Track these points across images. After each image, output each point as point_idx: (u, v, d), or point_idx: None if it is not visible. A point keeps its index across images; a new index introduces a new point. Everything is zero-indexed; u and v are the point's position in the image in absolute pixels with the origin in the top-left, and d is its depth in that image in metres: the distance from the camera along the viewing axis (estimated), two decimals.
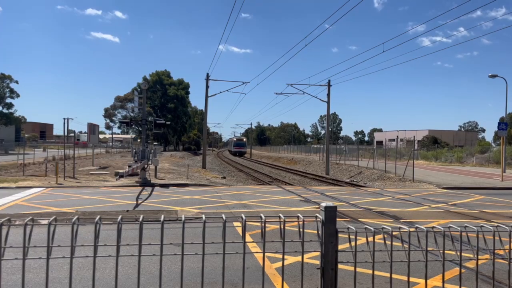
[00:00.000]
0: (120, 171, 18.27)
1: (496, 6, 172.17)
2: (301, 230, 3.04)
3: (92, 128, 30.37)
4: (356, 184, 23.96)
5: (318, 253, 3.24)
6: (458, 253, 3.22)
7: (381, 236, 3.27)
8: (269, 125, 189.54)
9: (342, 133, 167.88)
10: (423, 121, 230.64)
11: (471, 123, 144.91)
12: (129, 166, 17.92)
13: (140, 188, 17.53)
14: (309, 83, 43.96)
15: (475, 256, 3.22)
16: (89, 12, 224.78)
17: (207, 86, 36.87)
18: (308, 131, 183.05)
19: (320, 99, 36.07)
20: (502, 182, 23.40)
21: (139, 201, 13.51)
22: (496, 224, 3.40)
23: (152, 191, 16.51)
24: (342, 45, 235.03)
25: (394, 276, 3.60)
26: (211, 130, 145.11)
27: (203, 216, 2.93)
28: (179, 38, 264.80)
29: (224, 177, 29.16)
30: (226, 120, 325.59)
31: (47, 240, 2.63)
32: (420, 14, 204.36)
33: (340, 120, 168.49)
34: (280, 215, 3.10)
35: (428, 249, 3.22)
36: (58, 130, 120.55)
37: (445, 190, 19.44)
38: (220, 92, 38.68)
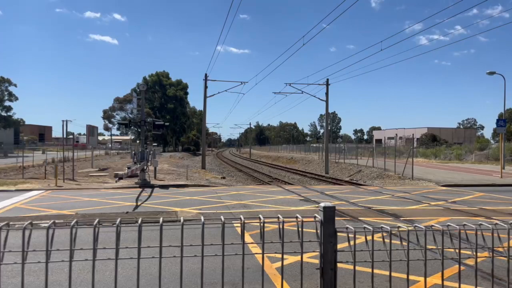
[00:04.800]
0: (120, 172, 18.27)
1: (492, 4, 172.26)
2: (300, 230, 3.04)
3: (91, 130, 30.36)
4: (355, 183, 23.98)
5: (318, 253, 3.25)
6: (457, 251, 3.23)
7: (380, 235, 3.28)
8: (269, 124, 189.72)
9: (341, 132, 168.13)
10: (421, 118, 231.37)
11: (470, 120, 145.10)
12: (128, 168, 17.94)
13: (140, 189, 17.53)
14: (307, 82, 43.99)
15: (474, 253, 3.23)
16: (88, 15, 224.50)
17: (206, 87, 36.86)
18: (307, 130, 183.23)
19: (319, 98, 36.08)
20: (501, 179, 23.43)
21: (139, 203, 13.51)
22: (495, 221, 3.41)
23: (151, 192, 16.51)
24: (339, 44, 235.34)
25: (393, 274, 3.60)
26: (210, 131, 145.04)
27: (202, 217, 2.93)
28: (178, 39, 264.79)
29: (224, 177, 29.16)
30: (225, 120, 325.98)
31: (46, 244, 2.63)
32: (417, 12, 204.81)
33: (340, 119, 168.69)
34: (279, 215, 3.11)
35: (427, 247, 3.23)
36: (57, 132, 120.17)
37: (445, 188, 19.46)
38: (219, 93, 38.58)
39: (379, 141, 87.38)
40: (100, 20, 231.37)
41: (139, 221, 2.81)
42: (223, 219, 2.94)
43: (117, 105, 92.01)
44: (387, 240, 3.09)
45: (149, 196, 15.33)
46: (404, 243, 3.24)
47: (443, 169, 32.41)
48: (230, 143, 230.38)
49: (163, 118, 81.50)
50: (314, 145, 77.17)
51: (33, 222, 2.89)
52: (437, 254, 3.27)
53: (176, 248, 2.89)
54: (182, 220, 2.93)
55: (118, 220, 2.76)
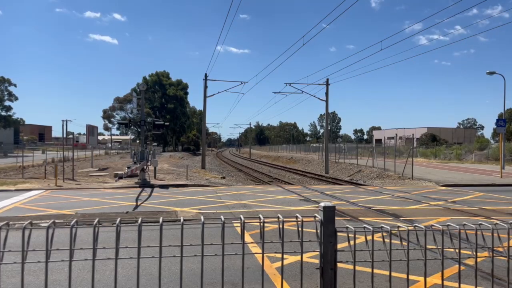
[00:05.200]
0: (119, 172, 18.27)
1: (492, 4, 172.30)
2: (299, 229, 3.04)
3: (91, 130, 30.35)
4: (355, 183, 23.98)
5: (318, 253, 3.25)
6: (457, 251, 3.23)
7: (380, 234, 3.27)
8: (268, 124, 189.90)
9: (341, 132, 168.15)
10: (421, 118, 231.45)
11: (470, 120, 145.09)
12: (128, 168, 17.95)
13: (140, 189, 17.52)
14: (307, 82, 44.05)
15: (474, 253, 3.23)
16: (88, 14, 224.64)
17: (206, 86, 36.85)
18: (307, 130, 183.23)
19: (319, 98, 36.07)
20: (501, 178, 23.43)
21: (139, 202, 13.50)
22: (495, 221, 3.41)
23: (151, 192, 16.51)
24: (339, 44, 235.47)
25: (393, 274, 3.60)
26: (210, 130, 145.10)
27: (202, 217, 2.93)
28: (178, 39, 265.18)
29: (224, 177, 29.15)
30: (225, 120, 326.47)
31: (46, 244, 2.63)
32: (417, 12, 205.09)
33: (339, 119, 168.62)
34: (279, 215, 3.11)
35: (427, 247, 3.23)
36: (57, 132, 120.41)
37: (445, 188, 19.46)
38: (219, 92, 38.50)
39: (379, 141, 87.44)
40: (100, 20, 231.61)
41: (139, 221, 2.81)
42: (223, 218, 2.93)
43: (117, 104, 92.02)
44: (387, 240, 3.09)
45: (149, 195, 15.32)
46: (404, 243, 3.24)
47: (443, 169, 32.40)
48: (230, 143, 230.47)
49: (163, 118, 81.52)
50: (314, 145, 77.17)
51: (33, 222, 2.88)
52: (437, 254, 3.27)
53: (176, 247, 2.89)
54: (182, 220, 2.93)
55: (118, 219, 2.76)
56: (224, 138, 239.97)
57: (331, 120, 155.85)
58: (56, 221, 2.82)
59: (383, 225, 3.20)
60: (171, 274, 6.00)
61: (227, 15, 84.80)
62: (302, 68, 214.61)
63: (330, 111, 37.84)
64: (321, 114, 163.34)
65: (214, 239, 7.68)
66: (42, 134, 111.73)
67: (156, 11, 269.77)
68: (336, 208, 3.48)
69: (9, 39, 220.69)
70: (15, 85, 63.12)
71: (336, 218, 3.27)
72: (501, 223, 3.29)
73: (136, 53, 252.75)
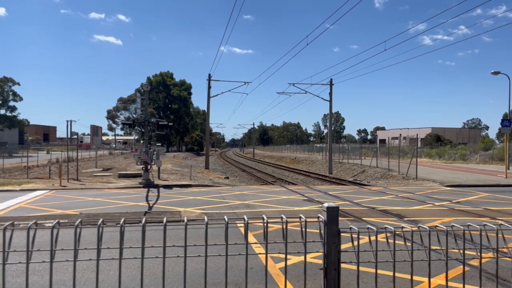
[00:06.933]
0: (123, 172, 18.36)
1: (496, 4, 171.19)
2: (303, 230, 3.04)
3: (95, 130, 30.45)
4: (359, 183, 23.92)
5: (321, 253, 3.24)
6: (462, 252, 3.22)
7: (384, 235, 3.27)
8: (272, 125, 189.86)
9: (345, 132, 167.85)
10: (426, 118, 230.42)
11: (475, 120, 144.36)
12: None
13: (144, 189, 17.57)
14: (311, 83, 44.05)
15: (479, 254, 3.21)
16: (93, 16, 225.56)
17: (209, 87, 36.89)
18: (310, 130, 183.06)
19: (323, 98, 36.01)
20: (506, 179, 23.30)
21: (143, 203, 13.53)
22: (499, 222, 3.39)
23: (158, 192, 16.54)
24: (343, 44, 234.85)
25: (397, 275, 3.59)
26: (213, 131, 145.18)
27: (205, 217, 2.93)
28: (181, 39, 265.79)
29: (227, 178, 29.17)
30: (228, 120, 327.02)
31: (51, 244, 2.64)
32: (421, 12, 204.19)
33: (343, 119, 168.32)
34: (283, 215, 3.10)
35: (432, 247, 3.22)
36: (61, 133, 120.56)
37: (449, 188, 19.38)
38: (222, 93, 38.61)
39: (383, 141, 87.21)
40: (104, 20, 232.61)
41: (143, 221, 2.82)
42: (226, 219, 2.94)
43: (121, 105, 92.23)
44: (391, 241, 3.08)
45: (155, 196, 15.35)
46: (408, 244, 3.23)
47: (447, 169, 32.27)
48: (234, 143, 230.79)
49: (167, 118, 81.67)
50: (318, 145, 77.07)
51: (38, 222, 2.90)
52: (441, 255, 3.25)
53: (179, 248, 2.89)
54: (185, 220, 2.94)
55: (122, 220, 2.77)
56: (227, 138, 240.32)
57: (335, 120, 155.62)
58: (61, 221, 2.83)
59: (387, 226, 3.19)
60: (175, 274, 6.01)
61: (231, 15, 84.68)
62: (305, 68, 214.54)
63: (333, 111, 37.82)
64: (324, 114, 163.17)
65: (218, 239, 7.69)
66: (46, 135, 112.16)
67: (160, 12, 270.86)
68: (340, 208, 3.48)
69: (14, 40, 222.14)
70: (18, 84, 63.42)
71: (339, 218, 3.27)
72: (506, 224, 3.27)
73: (140, 54, 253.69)
